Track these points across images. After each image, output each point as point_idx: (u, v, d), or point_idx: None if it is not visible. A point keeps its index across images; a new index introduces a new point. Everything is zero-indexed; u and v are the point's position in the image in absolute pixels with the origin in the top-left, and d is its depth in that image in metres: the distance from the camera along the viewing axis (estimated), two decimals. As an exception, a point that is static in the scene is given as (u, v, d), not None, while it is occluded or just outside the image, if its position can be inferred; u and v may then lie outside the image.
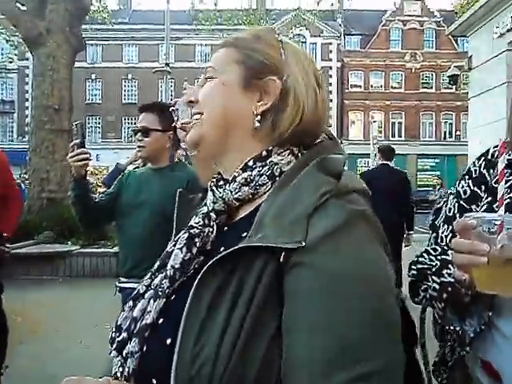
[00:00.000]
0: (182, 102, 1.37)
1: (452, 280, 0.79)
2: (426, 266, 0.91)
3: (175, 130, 2.14)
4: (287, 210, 0.61)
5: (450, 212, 0.94)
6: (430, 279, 0.87)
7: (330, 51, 31.27)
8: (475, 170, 0.91)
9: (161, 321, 0.65)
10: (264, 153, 0.71)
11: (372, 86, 31.45)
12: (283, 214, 0.61)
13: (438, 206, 1.02)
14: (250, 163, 0.70)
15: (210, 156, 0.76)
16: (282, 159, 0.70)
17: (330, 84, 31.19)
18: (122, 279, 2.16)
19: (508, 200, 0.79)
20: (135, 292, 0.72)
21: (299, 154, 0.71)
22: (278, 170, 0.69)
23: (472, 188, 0.91)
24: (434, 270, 0.88)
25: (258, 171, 0.69)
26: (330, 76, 31.20)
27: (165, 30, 13.67)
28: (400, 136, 30.54)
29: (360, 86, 31.51)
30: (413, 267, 0.94)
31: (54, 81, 7.76)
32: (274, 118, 0.70)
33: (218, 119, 0.72)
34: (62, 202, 7.28)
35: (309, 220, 0.58)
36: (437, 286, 0.84)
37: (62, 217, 6.68)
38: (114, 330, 0.70)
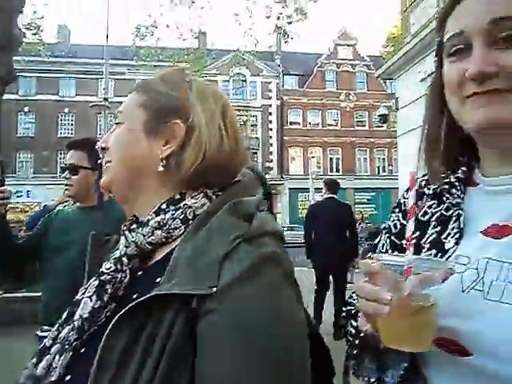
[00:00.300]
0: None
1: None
2: (351, 308, 0.83)
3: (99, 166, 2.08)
4: (200, 255, 0.60)
5: (382, 248, 0.85)
6: (349, 323, 0.78)
7: (270, 90, 32.43)
8: (404, 202, 0.83)
9: (68, 378, 0.60)
10: (177, 196, 0.71)
11: (310, 124, 32.82)
12: (196, 259, 0.60)
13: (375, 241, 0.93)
14: (163, 206, 0.70)
15: (122, 200, 0.76)
16: (195, 202, 0.70)
17: (271, 121, 32.18)
18: (45, 327, 1.97)
19: (434, 235, 0.72)
20: (41, 346, 0.67)
21: (213, 197, 0.72)
22: (192, 214, 0.69)
23: (402, 221, 0.82)
24: (353, 312, 0.79)
25: (172, 214, 0.69)
26: (270, 114, 32.23)
27: (104, 64, 13.55)
28: (338, 171, 31.84)
29: (299, 123, 32.77)
30: (343, 309, 0.86)
31: (-20, 113, 7.31)
32: (177, 160, 0.70)
33: (125, 165, 0.72)
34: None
35: (221, 265, 0.58)
36: (353, 331, 0.74)
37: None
38: None
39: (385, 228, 0.87)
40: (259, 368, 0.54)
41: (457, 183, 0.72)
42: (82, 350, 0.63)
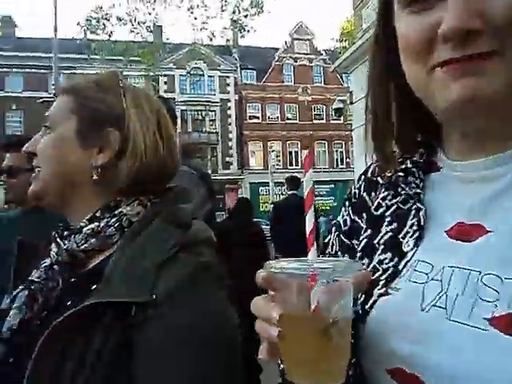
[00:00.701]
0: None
1: None
2: None
3: None
4: (137, 263, 0.60)
5: (332, 249, 0.68)
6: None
7: (228, 84, 32.27)
8: (355, 194, 0.68)
9: None
10: (112, 203, 0.69)
11: (269, 118, 32.99)
12: (133, 267, 0.59)
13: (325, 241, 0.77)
14: (98, 214, 0.69)
15: (53, 208, 0.74)
16: (130, 210, 0.69)
17: (229, 116, 32.06)
18: None
19: (390, 234, 0.57)
20: None
21: (148, 204, 0.71)
22: (127, 221, 0.68)
23: (352, 217, 0.66)
24: None
25: (106, 222, 0.68)
26: (229, 108, 32.11)
27: (52, 58, 12.95)
28: (297, 164, 32.23)
29: (258, 118, 32.86)
30: None
31: None
32: (112, 171, 0.69)
33: (57, 174, 0.70)
34: None
35: (158, 273, 0.58)
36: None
37: None
38: None
39: (335, 224, 0.71)
40: (192, 368, 0.56)
41: (414, 169, 0.58)
42: (10, 362, 0.60)
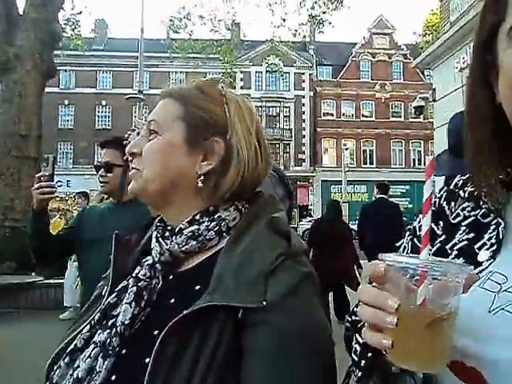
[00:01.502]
0: (134, 135, 1.37)
1: None
2: (357, 319, 0.70)
3: (127, 162, 2.14)
4: (245, 269, 0.63)
5: (403, 251, 0.75)
6: (354, 337, 0.65)
7: (303, 81, 32.10)
8: (435, 203, 0.73)
9: (113, 378, 0.62)
10: (211, 208, 0.72)
11: (344, 115, 32.31)
12: (241, 272, 0.62)
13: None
14: (197, 217, 0.72)
15: (152, 207, 0.77)
16: (228, 215, 0.72)
17: (303, 112, 31.89)
18: None
19: (465, 243, 0.61)
20: (71, 345, 0.68)
21: (243, 209, 0.74)
22: (226, 226, 0.72)
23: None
24: (360, 325, 0.66)
25: (206, 226, 0.71)
26: (303, 105, 31.93)
27: (139, 57, 13.77)
28: (371, 163, 31.27)
29: (332, 115, 32.31)
30: (348, 319, 0.76)
31: (22, 107, 7.65)
32: (217, 180, 0.72)
33: (162, 178, 0.72)
34: (25, 230, 7.05)
35: (266, 281, 0.61)
36: (358, 348, 0.62)
37: (25, 246, 6.44)
38: None
39: (409, 229, 0.77)
40: (304, 373, 0.59)
41: (498, 186, 0.60)
42: (123, 352, 0.64)
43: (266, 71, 28.59)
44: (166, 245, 0.71)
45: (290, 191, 1.88)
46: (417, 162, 31.87)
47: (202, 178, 0.72)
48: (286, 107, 31.55)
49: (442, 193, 0.73)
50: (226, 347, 0.58)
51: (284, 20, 13.41)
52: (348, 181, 26.29)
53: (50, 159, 1.99)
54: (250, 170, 0.72)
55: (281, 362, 0.58)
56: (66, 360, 0.67)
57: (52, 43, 8.37)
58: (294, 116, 31.77)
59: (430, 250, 0.68)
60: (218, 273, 0.64)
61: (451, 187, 0.71)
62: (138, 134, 1.38)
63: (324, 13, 12.69)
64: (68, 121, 30.94)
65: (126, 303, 0.67)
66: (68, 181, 25.24)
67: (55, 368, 0.67)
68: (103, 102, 30.96)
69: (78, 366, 0.64)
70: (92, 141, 29.63)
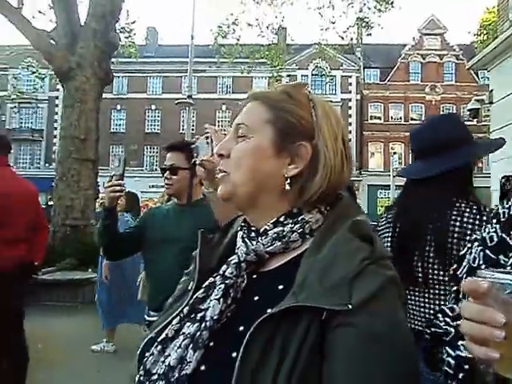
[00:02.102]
0: (202, 139, 1.42)
1: (470, 355, 0.58)
2: (440, 331, 0.75)
3: (194, 166, 2.23)
4: (329, 272, 0.63)
5: (474, 262, 0.75)
6: (444, 351, 0.69)
7: (350, 84, 31.66)
8: (503, 213, 0.73)
9: (203, 368, 0.66)
10: (295, 210, 0.74)
11: (392, 118, 31.52)
12: (326, 275, 0.63)
13: (461, 252, 0.85)
14: (282, 219, 0.73)
15: (239, 209, 0.80)
16: (311, 217, 0.73)
17: (350, 116, 31.43)
18: (152, 313, 2.17)
19: None
20: (162, 335, 0.72)
21: (325, 212, 0.74)
22: (309, 229, 0.73)
23: (500, 234, 0.72)
24: (448, 338, 0.71)
25: (290, 228, 0.72)
26: (350, 108, 31.47)
27: (188, 63, 14.16)
28: (420, 167, 30.26)
29: (379, 118, 31.62)
30: (427, 331, 0.78)
31: (82, 112, 8.08)
32: (304, 183, 0.73)
33: (251, 181, 0.74)
34: (84, 229, 7.44)
35: (351, 284, 0.61)
36: (451, 361, 0.66)
37: (84, 244, 6.80)
38: (142, 373, 0.70)
39: (476, 239, 0.78)
40: (385, 373, 0.59)
41: None
42: (211, 345, 0.67)
43: (312, 74, 28.42)
44: (252, 245, 0.73)
45: (353, 193, 1.89)
46: (484, 167, 30.48)
47: (289, 181, 0.72)
48: (332, 111, 31.17)
49: (510, 203, 0.73)
50: (310, 348, 0.59)
51: (333, 23, 13.31)
52: (396, 185, 25.59)
53: (122, 158, 2.09)
54: (336, 174, 0.73)
55: (363, 365, 0.58)
56: (158, 348, 0.70)
57: (109, 51, 8.79)
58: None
59: None
60: (302, 275, 0.65)
61: (507, 216, 0.71)
62: (207, 138, 1.43)
63: (374, 13, 12.49)
64: (120, 125, 32.28)
65: (215, 299, 0.70)
66: (119, 182, 26.23)
67: (148, 355, 0.71)
68: (153, 107, 32.03)
69: (169, 355, 0.68)
70: (142, 144, 30.74)
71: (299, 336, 0.60)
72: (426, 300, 1.46)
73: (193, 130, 18.21)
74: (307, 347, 0.60)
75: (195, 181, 2.21)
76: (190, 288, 0.78)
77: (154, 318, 2.15)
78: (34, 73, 14.98)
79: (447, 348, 0.67)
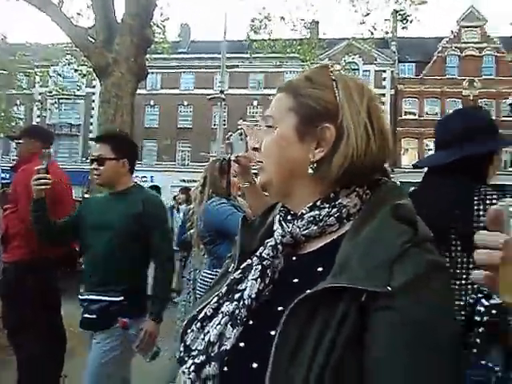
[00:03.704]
0: (236, 136, 1.45)
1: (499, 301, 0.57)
2: (481, 295, 0.75)
3: (130, 158, 2.38)
4: (369, 254, 0.63)
5: None
6: (479, 304, 0.71)
7: (384, 78, 30.98)
8: None
9: (242, 344, 0.68)
10: (332, 194, 0.74)
11: (427, 114, 30.67)
12: (366, 258, 0.63)
13: None
14: (318, 203, 0.74)
15: (277, 197, 0.82)
16: (349, 201, 0.73)
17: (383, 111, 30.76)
18: (85, 293, 2.33)
19: None
20: (201, 314, 0.74)
21: (364, 196, 0.74)
22: (346, 213, 0.73)
23: None
24: (486, 292, 0.72)
25: (327, 212, 0.73)
26: (383, 103, 30.47)
27: (221, 59, 14.27)
28: (456, 165, 29.33)
29: (414, 114, 30.83)
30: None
31: (118, 107, 8.27)
32: (327, 163, 0.73)
33: (279, 169, 0.76)
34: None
35: (392, 267, 0.60)
36: (482, 309, 0.68)
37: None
38: (182, 350, 0.73)
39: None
40: (430, 361, 0.58)
41: None
42: (250, 323, 0.70)
43: (345, 69, 28.01)
44: (288, 227, 0.75)
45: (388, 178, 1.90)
46: (508, 164, 29.36)
47: (316, 165, 0.73)
48: (365, 106, 30.64)
49: None
50: (349, 329, 0.59)
51: (367, 15, 13.06)
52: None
53: (46, 154, 2.34)
54: (360, 152, 0.71)
55: (400, 350, 0.58)
56: (197, 325, 0.73)
57: (144, 47, 8.95)
58: (373, 115, 30.76)
59: None
60: (342, 257, 0.65)
61: None
62: (241, 134, 1.46)
63: (410, 6, 12.17)
64: (153, 120, 32.89)
65: (252, 279, 0.72)
66: (152, 176, 26.83)
67: (188, 331, 0.74)
68: (185, 102, 32.43)
69: (208, 332, 0.70)
70: (174, 139, 31.19)
71: (338, 317, 0.60)
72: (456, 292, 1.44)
73: (224, 125, 18.34)
74: (345, 329, 0.59)
75: (123, 170, 2.36)
76: (230, 270, 0.81)
77: (86, 297, 2.27)
78: (76, 70, 15.46)
79: (482, 300, 0.68)
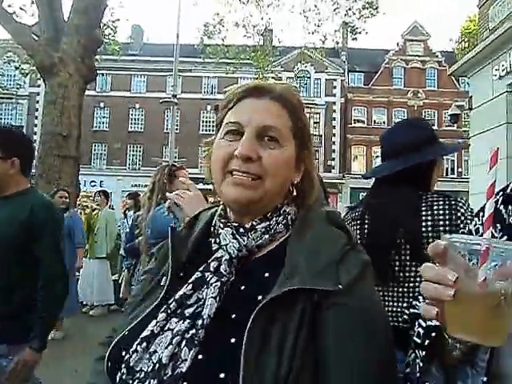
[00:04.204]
0: (172, 203, 1.60)
1: (438, 323, 0.58)
2: (416, 311, 0.76)
3: (23, 156, 2.06)
4: (316, 257, 0.70)
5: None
6: (416, 323, 0.71)
7: (334, 87, 31.92)
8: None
9: (200, 357, 0.65)
10: (279, 205, 0.80)
11: (375, 122, 31.91)
12: (313, 260, 0.69)
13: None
14: (268, 214, 0.78)
15: (247, 212, 0.78)
16: (291, 209, 0.81)
17: (334, 119, 31.68)
18: None
19: None
20: (145, 332, 0.70)
21: (299, 203, 0.82)
22: (290, 219, 0.79)
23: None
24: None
25: (276, 220, 0.78)
26: (334, 111, 31.73)
27: (173, 62, 14.09)
28: (402, 171, 30.64)
29: (363, 122, 31.97)
30: (406, 312, 0.85)
31: (64, 109, 7.95)
32: (303, 185, 0.83)
33: (281, 189, 0.79)
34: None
35: (337, 267, 0.68)
36: (421, 331, 0.68)
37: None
38: (124, 371, 0.68)
39: (464, 233, 0.79)
40: (375, 346, 0.66)
41: None
42: (202, 340, 0.67)
43: (297, 77, 28.58)
44: (244, 241, 0.76)
45: (327, 195, 1.94)
46: (449, 172, 31.12)
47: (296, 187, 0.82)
48: (317, 113, 31.42)
49: (497, 197, 0.74)
50: (306, 331, 0.64)
51: (318, 26, 13.41)
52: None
53: None
54: (315, 170, 0.83)
55: (354, 338, 0.65)
56: (142, 345, 0.68)
57: (93, 48, 8.67)
58: (324, 122, 31.60)
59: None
60: (291, 261, 0.70)
61: (508, 191, 0.73)
62: (174, 203, 1.55)
63: (359, 18, 12.63)
64: (103, 123, 31.86)
65: (212, 297, 0.70)
66: (101, 181, 25.97)
67: (131, 352, 0.68)
68: (137, 105, 31.71)
69: (155, 351, 0.66)
70: (125, 142, 30.37)
71: (296, 320, 0.64)
72: (400, 295, 1.49)
73: (177, 129, 18.10)
74: (304, 331, 0.64)
75: (11, 171, 2.02)
76: (162, 283, 0.77)
77: None
78: (17, 68, 14.68)
79: (420, 320, 0.71)
